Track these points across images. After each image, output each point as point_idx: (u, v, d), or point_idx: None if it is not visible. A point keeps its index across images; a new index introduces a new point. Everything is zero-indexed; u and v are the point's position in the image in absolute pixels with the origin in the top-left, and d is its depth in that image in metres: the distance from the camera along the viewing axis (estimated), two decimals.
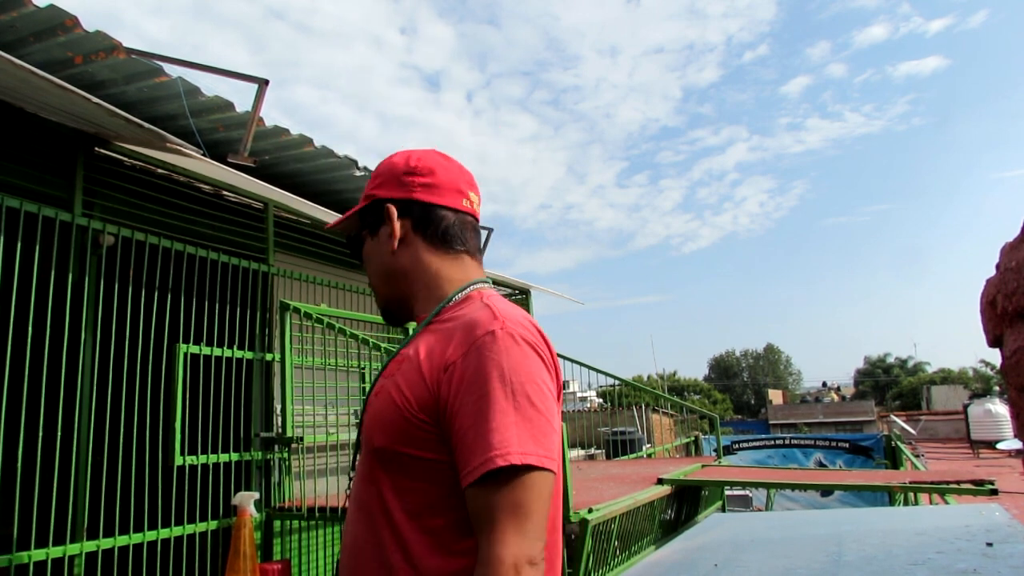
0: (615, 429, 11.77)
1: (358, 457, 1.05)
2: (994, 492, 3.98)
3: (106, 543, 3.22)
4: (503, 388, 0.88)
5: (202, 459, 3.75)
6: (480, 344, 0.91)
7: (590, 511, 3.82)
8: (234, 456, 3.98)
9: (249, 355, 4.21)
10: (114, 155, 3.65)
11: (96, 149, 3.53)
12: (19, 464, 2.84)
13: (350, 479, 1.08)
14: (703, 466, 6.18)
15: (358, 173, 4.79)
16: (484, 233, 7.79)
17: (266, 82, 3.66)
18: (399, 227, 1.09)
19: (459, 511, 0.89)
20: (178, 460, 3.59)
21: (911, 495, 6.50)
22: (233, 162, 3.94)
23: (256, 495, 3.64)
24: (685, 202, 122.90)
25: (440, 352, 0.94)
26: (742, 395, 67.35)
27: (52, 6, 2.82)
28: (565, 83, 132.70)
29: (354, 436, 1.18)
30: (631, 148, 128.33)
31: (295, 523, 4.19)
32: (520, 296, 8.66)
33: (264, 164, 4.33)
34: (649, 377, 51.18)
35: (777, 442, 13.22)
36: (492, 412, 0.86)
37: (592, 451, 12.01)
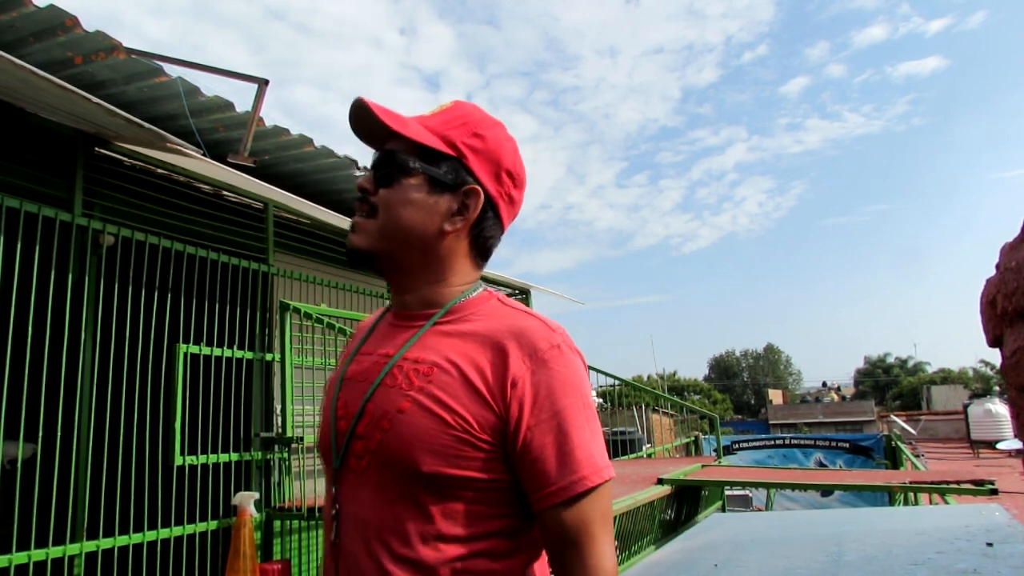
0: (615, 429, 11.76)
1: (362, 476, 0.91)
2: (994, 492, 3.98)
3: (106, 543, 3.22)
4: (576, 404, 0.90)
5: (202, 459, 3.75)
6: (548, 359, 0.89)
7: None
8: (234, 456, 3.98)
9: (249, 355, 4.21)
10: (114, 155, 3.65)
11: (96, 149, 3.53)
12: (19, 464, 2.84)
13: (336, 503, 0.93)
14: (703, 466, 6.18)
15: (358, 173, 4.79)
16: None
17: (266, 82, 3.66)
18: (468, 219, 0.97)
19: (510, 531, 0.90)
20: (178, 460, 3.59)
21: (911, 495, 6.50)
22: (233, 162, 3.94)
23: (256, 495, 3.64)
24: (685, 202, 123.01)
25: (495, 365, 0.88)
26: (742, 395, 67.35)
27: (52, 6, 2.82)
28: (565, 83, 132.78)
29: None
30: (630, 148, 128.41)
31: (295, 523, 4.19)
32: (520, 296, 8.66)
33: (264, 164, 4.33)
34: (649, 377, 51.19)
35: (777, 442, 13.23)
36: (571, 429, 0.88)
37: None
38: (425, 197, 0.95)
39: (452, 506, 0.86)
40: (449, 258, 0.98)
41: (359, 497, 0.90)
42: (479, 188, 0.97)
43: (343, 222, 4.47)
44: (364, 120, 0.97)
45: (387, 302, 1.14)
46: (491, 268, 7.80)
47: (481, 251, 1.01)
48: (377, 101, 0.97)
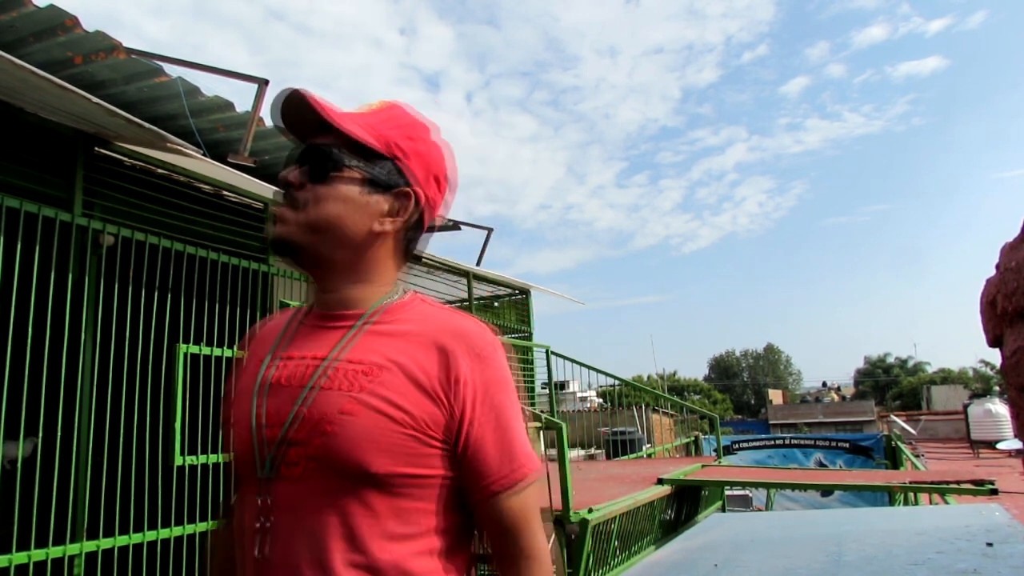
0: (615, 429, 11.77)
1: (299, 483, 0.88)
2: (994, 492, 3.98)
3: (106, 543, 3.22)
4: (511, 400, 0.96)
5: (202, 459, 3.74)
6: (487, 357, 0.95)
7: (590, 511, 3.82)
8: None
9: None
10: (114, 155, 3.65)
11: (96, 149, 3.53)
12: (19, 464, 2.84)
13: (263, 515, 0.89)
14: (703, 466, 6.19)
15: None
16: (484, 233, 7.79)
17: (266, 82, 3.66)
18: (399, 221, 0.98)
19: (454, 527, 0.93)
20: (178, 460, 3.59)
21: (911, 495, 6.50)
22: (233, 162, 3.94)
23: None
24: (684, 202, 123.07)
25: (439, 364, 0.91)
26: (742, 395, 67.34)
27: (52, 6, 2.82)
28: (565, 83, 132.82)
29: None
30: (630, 148, 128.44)
31: None
32: (520, 296, 8.66)
33: (264, 164, 4.33)
34: (649, 377, 51.18)
35: (777, 442, 13.23)
36: (510, 424, 0.94)
37: (592, 451, 12.00)
38: (360, 195, 0.95)
39: (401, 504, 0.88)
40: (377, 258, 0.98)
41: (298, 505, 0.87)
42: (412, 191, 0.98)
43: None
44: (295, 111, 0.97)
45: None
46: (491, 268, 7.82)
47: (405, 253, 1.03)
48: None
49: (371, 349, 0.92)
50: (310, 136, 0.98)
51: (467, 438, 0.91)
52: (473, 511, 0.94)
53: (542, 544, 0.94)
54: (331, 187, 0.94)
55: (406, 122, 1.00)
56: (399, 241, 1.00)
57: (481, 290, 8.18)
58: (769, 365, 72.30)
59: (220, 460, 3.89)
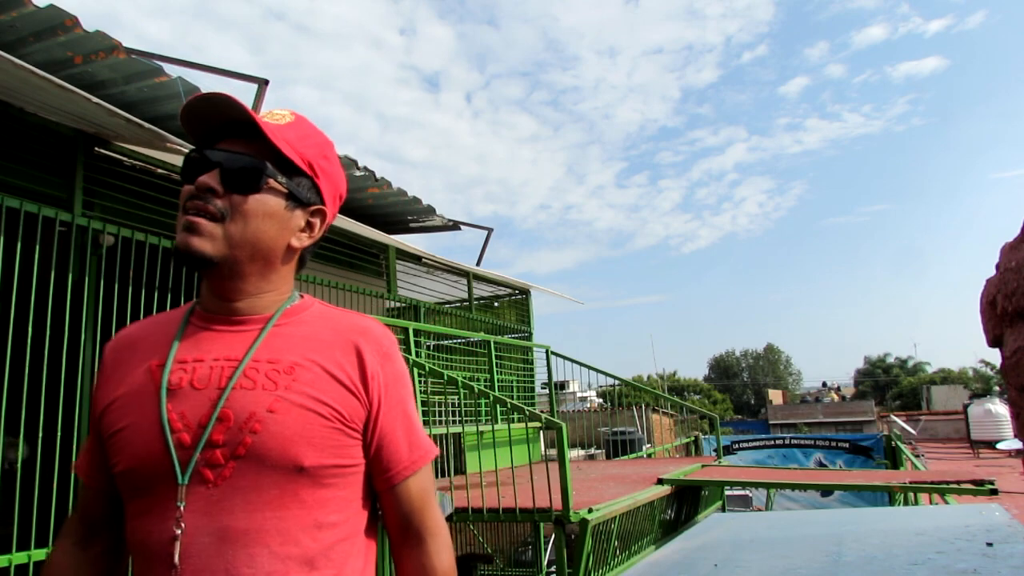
0: (615, 429, 11.78)
1: (225, 485, 0.87)
2: (994, 492, 3.99)
3: None
4: (410, 393, 1.04)
5: None
6: (391, 353, 1.01)
7: (590, 511, 3.82)
8: None
9: None
10: (114, 155, 3.65)
11: (96, 149, 3.53)
12: (19, 464, 2.84)
13: (179, 517, 0.86)
14: (703, 466, 6.19)
15: (357, 173, 4.79)
16: (483, 233, 7.79)
17: (266, 82, 3.66)
18: (312, 237, 1.02)
19: (366, 511, 0.99)
20: None
21: (911, 495, 6.50)
22: None
23: None
24: (684, 202, 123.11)
25: (353, 362, 0.96)
26: (742, 395, 67.36)
27: (52, 6, 2.82)
28: (564, 84, 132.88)
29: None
30: (630, 149, 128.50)
31: None
32: (520, 296, 8.66)
33: None
34: (649, 377, 51.20)
35: (777, 442, 13.23)
36: (410, 414, 1.02)
37: (592, 451, 12.02)
38: (283, 211, 0.97)
39: (326, 494, 0.92)
40: (284, 270, 1.01)
41: (224, 508, 0.86)
42: (325, 209, 1.03)
43: (343, 222, 4.47)
44: (208, 112, 0.95)
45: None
46: (491, 268, 7.82)
47: (302, 263, 1.07)
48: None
49: (285, 349, 0.95)
50: (216, 141, 0.97)
51: (378, 429, 0.97)
52: (380, 496, 1.01)
53: (442, 520, 1.04)
54: (259, 201, 0.94)
55: (319, 140, 1.03)
56: (304, 254, 1.04)
57: (481, 290, 8.18)
58: (769, 365, 72.32)
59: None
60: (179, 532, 0.85)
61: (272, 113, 1.01)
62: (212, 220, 0.92)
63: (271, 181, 0.95)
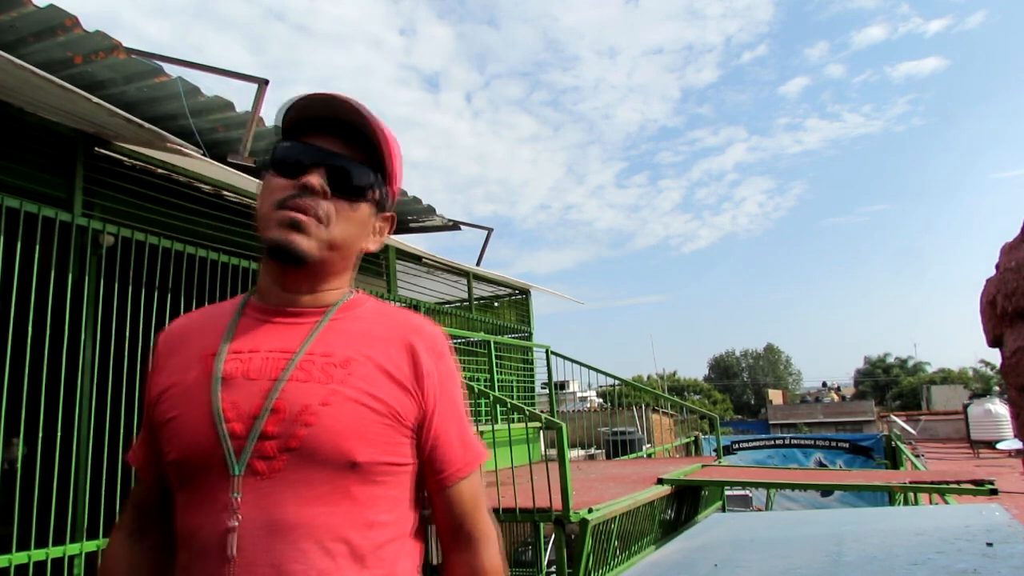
0: (615, 429, 11.77)
1: (277, 478, 0.86)
2: (994, 492, 3.99)
3: (106, 543, 3.22)
4: (461, 393, 1.03)
5: None
6: (443, 353, 1.01)
7: (590, 511, 3.82)
8: None
9: None
10: (114, 155, 3.65)
11: (96, 149, 3.53)
12: (19, 464, 2.84)
13: (233, 508, 0.85)
14: (703, 466, 6.19)
15: None
16: (483, 233, 7.79)
17: (266, 82, 3.66)
18: (379, 241, 1.05)
19: (415, 511, 0.98)
20: None
21: (911, 495, 6.50)
22: (233, 162, 3.94)
23: None
24: (684, 202, 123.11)
25: (407, 359, 0.95)
26: (742, 395, 67.35)
27: (52, 6, 2.82)
28: (564, 84, 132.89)
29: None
30: (630, 149, 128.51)
31: None
32: (520, 296, 8.66)
33: (264, 164, 4.33)
34: (649, 377, 51.20)
35: (777, 442, 13.23)
36: (463, 416, 1.02)
37: (592, 451, 12.01)
38: (370, 218, 1.01)
39: (378, 492, 0.90)
40: (352, 268, 1.04)
41: (275, 500, 0.85)
42: (393, 216, 1.06)
43: None
44: (324, 112, 0.96)
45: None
46: (491, 268, 7.82)
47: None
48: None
49: (339, 343, 0.94)
50: (310, 131, 0.97)
51: (433, 429, 0.96)
52: (432, 497, 1.00)
53: (492, 524, 1.03)
54: (356, 208, 0.97)
55: (398, 150, 1.02)
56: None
57: (481, 290, 8.18)
58: (769, 365, 72.31)
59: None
60: (235, 524, 0.84)
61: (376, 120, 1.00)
62: (317, 222, 0.93)
63: (376, 194, 0.99)
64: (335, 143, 0.96)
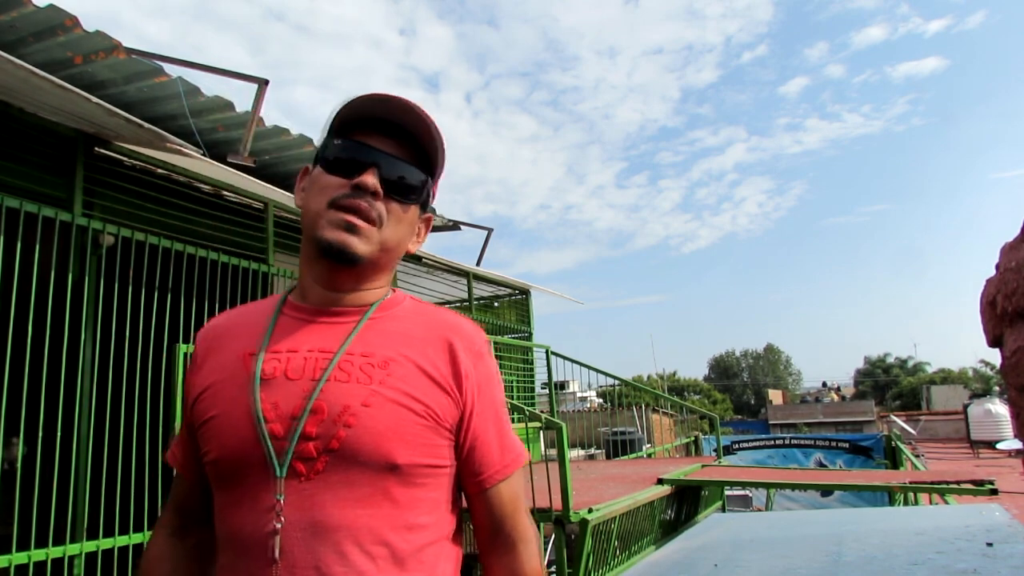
0: (615, 429, 11.76)
1: (317, 479, 0.85)
2: (994, 492, 3.98)
3: (106, 543, 3.22)
4: (502, 394, 1.02)
5: None
6: (483, 352, 0.99)
7: (590, 511, 3.81)
8: None
9: None
10: (114, 155, 3.65)
11: (96, 149, 3.53)
12: (19, 464, 2.84)
13: (276, 510, 0.84)
14: (703, 466, 6.18)
15: None
16: (483, 233, 7.79)
17: (266, 82, 3.66)
18: (420, 241, 1.05)
19: (454, 514, 0.97)
20: None
21: (911, 495, 6.50)
22: (233, 162, 3.94)
23: None
24: (684, 202, 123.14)
25: (446, 360, 0.94)
26: (742, 395, 67.34)
27: (52, 6, 2.82)
28: (564, 84, 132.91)
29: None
30: (630, 149, 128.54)
31: None
32: (520, 296, 8.66)
33: (264, 164, 4.33)
34: (649, 377, 51.18)
35: (777, 442, 13.22)
36: (503, 417, 1.00)
37: (592, 451, 12.00)
38: (416, 220, 1.01)
39: (418, 494, 0.89)
40: (395, 268, 1.04)
41: (316, 502, 0.85)
42: (431, 217, 1.06)
43: None
44: (384, 113, 0.95)
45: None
46: (490, 268, 7.82)
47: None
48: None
49: (378, 343, 0.93)
50: (361, 129, 0.95)
51: (471, 430, 0.95)
52: (470, 499, 0.99)
53: (533, 526, 1.01)
54: (407, 209, 0.97)
55: (444, 148, 1.01)
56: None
57: (481, 290, 8.18)
58: (769, 365, 72.30)
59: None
60: (278, 526, 0.83)
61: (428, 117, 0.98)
62: (370, 223, 0.92)
63: (426, 198, 1.00)
64: (387, 143, 0.95)
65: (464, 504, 1.01)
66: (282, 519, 0.84)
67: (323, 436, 0.86)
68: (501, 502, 0.98)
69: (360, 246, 0.92)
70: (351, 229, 0.91)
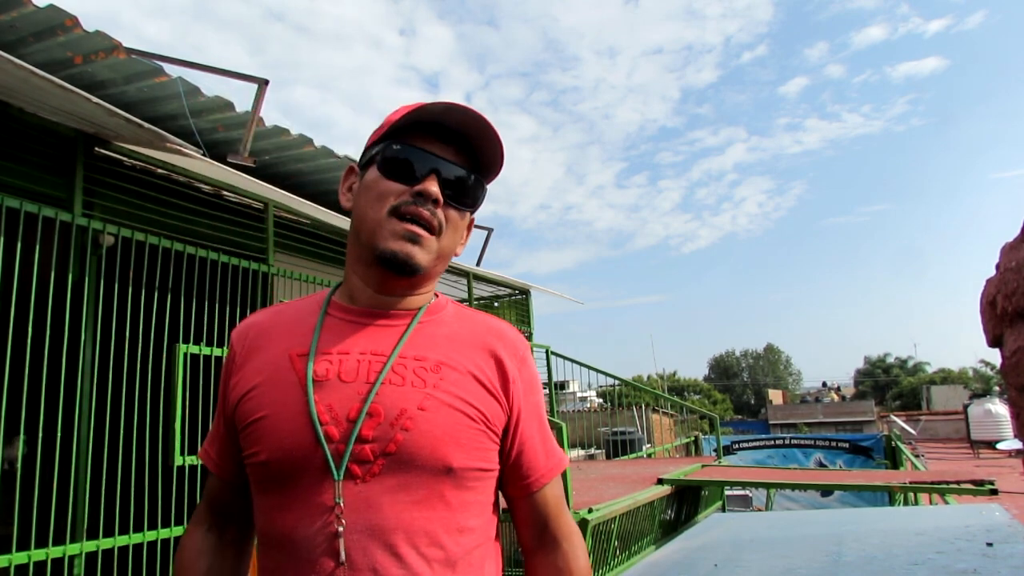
0: (615, 429, 11.76)
1: (374, 482, 0.86)
2: (994, 492, 3.98)
3: (106, 543, 3.22)
4: (543, 399, 1.05)
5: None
6: (526, 359, 1.01)
7: (590, 511, 3.81)
8: None
9: None
10: (114, 155, 3.65)
11: (96, 149, 3.52)
12: (19, 464, 2.84)
13: (336, 512, 0.84)
14: (703, 466, 6.18)
15: None
16: (483, 233, 7.79)
17: (266, 82, 3.66)
18: (465, 244, 1.04)
19: (497, 515, 0.99)
20: (178, 460, 3.59)
21: (911, 495, 6.50)
22: (233, 162, 3.94)
23: None
24: (684, 202, 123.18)
25: (493, 364, 0.95)
26: (742, 395, 67.31)
27: (52, 6, 2.82)
28: (564, 84, 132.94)
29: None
30: (630, 149, 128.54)
31: None
32: (520, 296, 8.66)
33: (264, 164, 4.33)
34: (649, 377, 51.17)
35: (777, 442, 13.22)
36: (544, 421, 1.03)
37: (592, 451, 12.00)
38: (465, 226, 1.01)
39: (468, 498, 0.90)
40: (443, 270, 1.02)
41: (373, 505, 0.85)
42: (473, 219, 1.04)
43: (343, 222, 4.47)
44: (454, 121, 0.93)
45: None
46: (490, 268, 7.81)
47: None
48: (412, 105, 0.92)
49: (429, 347, 0.94)
50: (417, 133, 0.93)
51: (519, 435, 0.97)
52: (515, 502, 1.01)
53: (575, 525, 1.04)
54: (463, 218, 0.97)
55: (503, 153, 1.00)
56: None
57: (481, 290, 8.17)
58: (769, 365, 72.27)
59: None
60: (341, 529, 0.83)
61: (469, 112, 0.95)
62: (431, 233, 0.92)
63: (479, 205, 0.99)
64: (446, 150, 0.94)
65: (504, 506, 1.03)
66: (343, 523, 0.83)
67: (380, 439, 0.86)
68: (546, 504, 1.00)
69: (422, 256, 0.91)
70: (414, 240, 0.91)
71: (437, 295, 1.04)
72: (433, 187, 0.91)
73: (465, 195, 0.95)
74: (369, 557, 0.83)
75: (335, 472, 0.85)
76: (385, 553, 0.83)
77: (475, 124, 0.93)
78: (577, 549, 1.01)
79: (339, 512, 0.84)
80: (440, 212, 0.92)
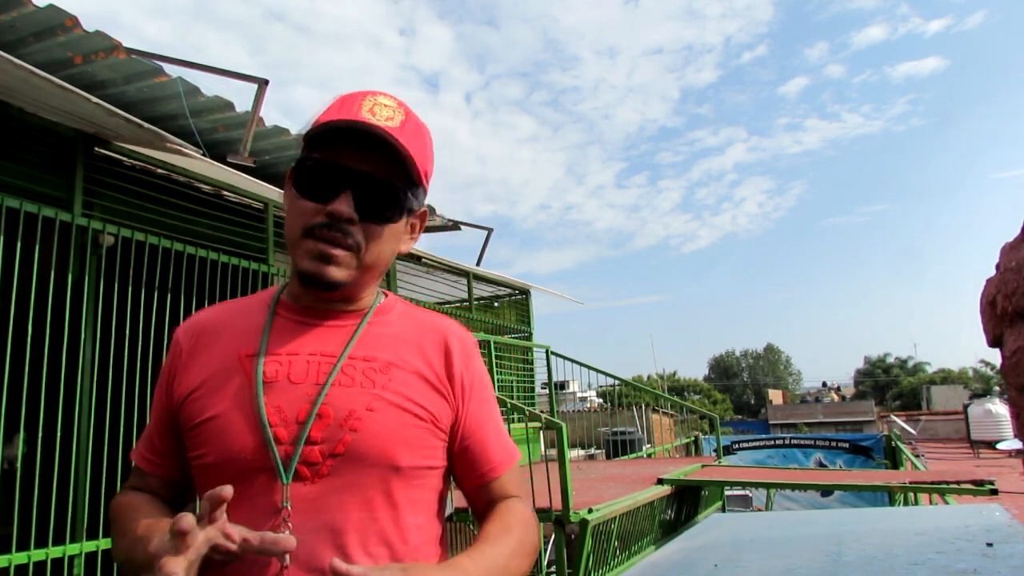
0: (615, 429, 11.77)
1: (322, 483, 0.86)
2: (994, 492, 3.99)
3: (106, 543, 3.22)
4: (492, 393, 1.04)
5: None
6: (473, 355, 1.01)
7: (590, 511, 3.81)
8: None
9: None
10: (114, 155, 3.65)
11: (96, 149, 3.53)
12: (19, 464, 2.84)
13: (283, 514, 0.84)
14: (703, 466, 6.18)
15: None
16: (483, 233, 7.79)
17: (266, 82, 3.66)
18: (414, 238, 1.01)
19: (442, 514, 1.00)
20: None
21: (911, 495, 6.50)
22: (233, 162, 3.94)
23: None
24: (684, 202, 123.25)
25: (440, 363, 0.96)
26: (742, 395, 67.32)
27: (52, 6, 2.82)
28: (564, 84, 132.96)
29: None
30: (630, 149, 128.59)
31: None
32: (520, 296, 8.66)
33: (264, 164, 4.33)
34: (649, 377, 51.17)
35: (777, 442, 13.22)
36: (495, 415, 1.03)
37: (592, 451, 12.01)
38: (402, 227, 0.96)
39: (414, 496, 0.91)
40: (384, 274, 1.01)
41: (320, 506, 0.85)
42: (426, 209, 1.02)
43: None
44: (361, 138, 0.88)
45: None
46: (490, 268, 7.82)
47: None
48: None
49: (378, 347, 0.94)
50: (336, 142, 0.89)
51: (467, 430, 0.97)
52: (471, 496, 1.01)
53: (534, 515, 1.03)
54: (389, 228, 0.93)
55: (430, 140, 0.98)
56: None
57: (481, 290, 8.17)
58: (769, 365, 72.29)
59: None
60: (288, 532, 0.82)
61: (379, 103, 0.91)
62: (348, 250, 0.89)
63: (408, 210, 0.95)
64: (364, 158, 0.88)
65: (448, 511, 1.04)
66: (290, 525, 0.83)
67: (329, 440, 0.86)
68: (503, 493, 1.00)
69: (337, 273, 0.89)
70: (326, 259, 0.89)
71: (387, 294, 1.04)
72: (343, 208, 0.87)
73: (383, 208, 0.90)
74: (316, 558, 0.82)
75: (283, 475, 0.84)
76: (333, 553, 0.82)
77: (383, 137, 0.87)
78: (526, 504, 1.00)
79: (286, 515, 0.83)
80: (356, 230, 0.89)
